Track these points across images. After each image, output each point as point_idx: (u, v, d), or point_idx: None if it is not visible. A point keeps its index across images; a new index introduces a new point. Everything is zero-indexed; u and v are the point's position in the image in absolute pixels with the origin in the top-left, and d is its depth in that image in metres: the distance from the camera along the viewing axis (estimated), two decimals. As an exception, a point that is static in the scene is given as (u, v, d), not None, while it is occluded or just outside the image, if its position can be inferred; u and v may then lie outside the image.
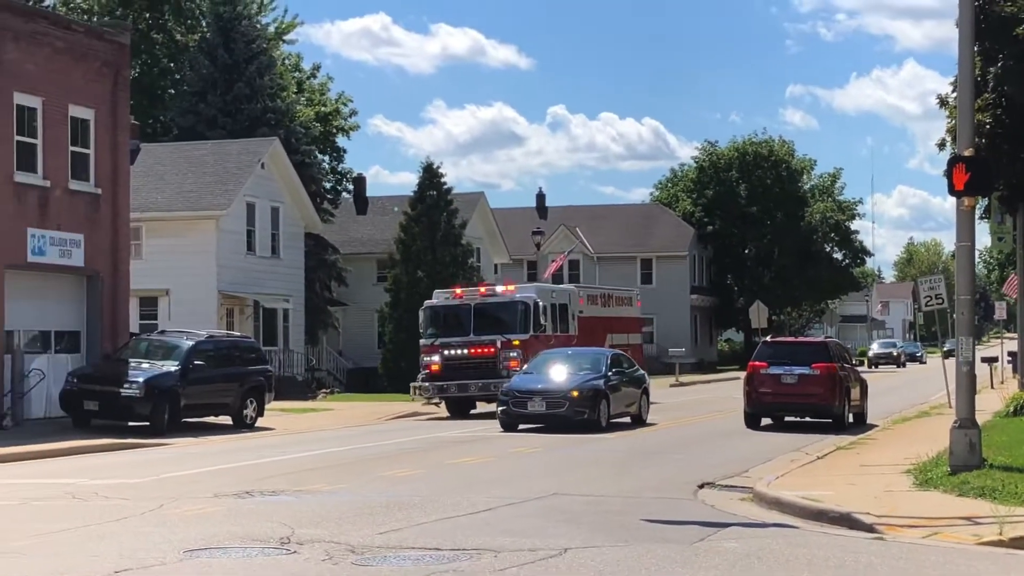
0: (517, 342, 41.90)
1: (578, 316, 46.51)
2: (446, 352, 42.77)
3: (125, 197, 41.39)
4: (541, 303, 42.93)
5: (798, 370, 34.60)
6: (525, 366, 38.10)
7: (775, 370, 34.96)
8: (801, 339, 48.41)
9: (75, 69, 39.52)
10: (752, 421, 34.71)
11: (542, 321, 42.43)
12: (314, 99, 77.64)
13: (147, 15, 66.45)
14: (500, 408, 33.73)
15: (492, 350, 42.25)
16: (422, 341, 44.31)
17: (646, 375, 39.40)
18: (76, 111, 39.33)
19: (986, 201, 37.13)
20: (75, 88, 39.31)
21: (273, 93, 67.01)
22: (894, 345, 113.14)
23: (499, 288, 46.34)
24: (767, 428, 34.09)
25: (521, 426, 32.74)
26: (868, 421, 36.27)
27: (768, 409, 35.15)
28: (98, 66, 40.72)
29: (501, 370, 41.00)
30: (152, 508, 17.84)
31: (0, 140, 36.28)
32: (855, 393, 36.21)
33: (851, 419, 35.00)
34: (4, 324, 35.14)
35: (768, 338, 49.48)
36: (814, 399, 34.62)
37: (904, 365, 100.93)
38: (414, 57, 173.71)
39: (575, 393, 32.45)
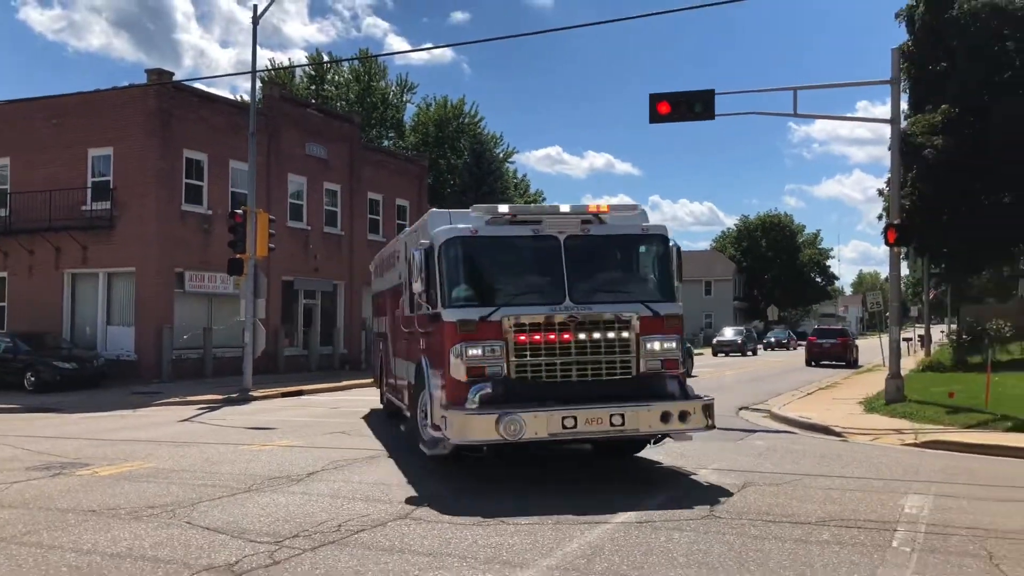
0: (674, 318, 10.13)
1: None
2: (521, 337, 9.56)
3: (424, 247, 42.41)
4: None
5: (830, 340, 40.28)
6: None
7: (820, 340, 40.40)
8: (832, 327, 49.70)
9: (399, 179, 40.59)
10: (808, 363, 39.38)
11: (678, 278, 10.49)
12: (522, 193, 78.40)
13: (436, 150, 67.81)
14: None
15: (626, 334, 9.77)
16: (447, 315, 9.74)
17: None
18: (399, 201, 40.45)
19: (906, 249, 35.90)
20: (398, 189, 40.40)
21: (502, 190, 67.91)
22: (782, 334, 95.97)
23: (600, 207, 10.43)
24: (796, 372, 33.97)
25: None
26: (859, 364, 39.93)
27: (817, 358, 39.71)
28: (410, 178, 41.74)
29: (655, 381, 9.82)
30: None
31: (362, 217, 37.56)
32: (855, 351, 41.38)
33: (853, 362, 39.78)
34: (362, 314, 36.40)
35: (816, 326, 60.34)
36: (838, 353, 39.59)
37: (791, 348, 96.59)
38: (575, 170, 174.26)
39: None
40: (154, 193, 28.19)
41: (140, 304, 28.36)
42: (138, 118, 28.41)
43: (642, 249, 10.75)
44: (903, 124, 28.00)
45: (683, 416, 9.61)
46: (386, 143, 64.94)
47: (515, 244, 10.24)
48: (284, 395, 23.73)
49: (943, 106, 31.86)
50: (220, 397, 22.23)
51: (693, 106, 17.78)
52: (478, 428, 9.15)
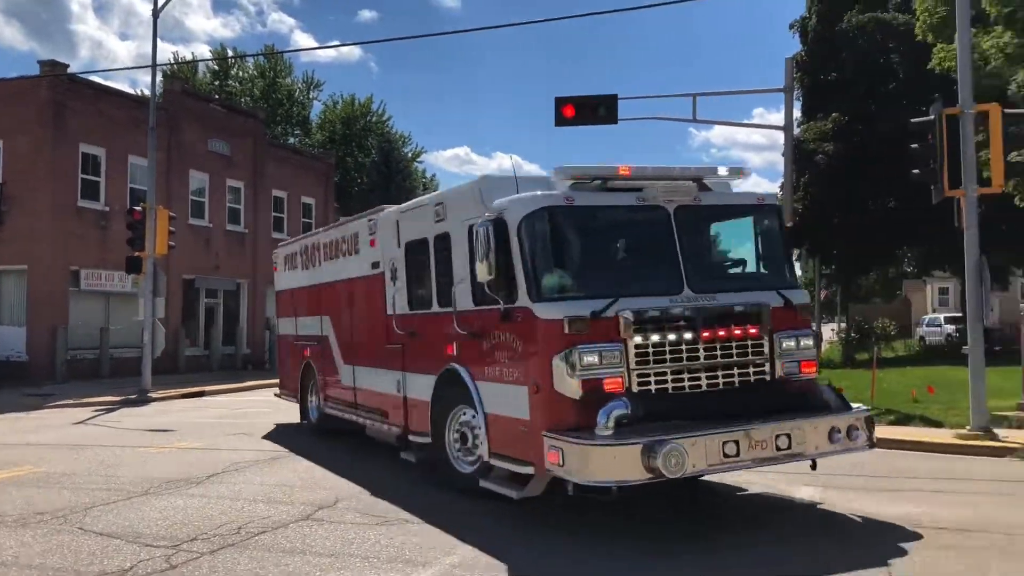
0: (806, 307, 8.40)
1: None
2: (640, 337, 7.30)
3: (331, 246, 41.78)
4: None
5: None
6: None
7: None
8: None
9: (304, 176, 39.91)
10: None
11: None
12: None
13: (343, 148, 67.00)
14: None
15: (759, 329, 7.72)
16: (542, 310, 7.36)
17: None
18: (305, 199, 39.75)
19: (798, 251, 37.15)
20: (304, 187, 39.71)
21: (410, 190, 67.47)
22: None
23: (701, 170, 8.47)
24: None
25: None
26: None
27: None
28: (317, 175, 41.11)
29: (807, 388, 8.08)
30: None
31: (266, 215, 36.79)
32: None
33: None
34: (266, 313, 35.42)
35: None
36: None
37: None
38: (483, 170, 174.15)
39: None
40: (48, 188, 27.08)
41: (32, 303, 27.19)
42: (30, 110, 27.26)
43: (757, 223, 8.64)
44: (796, 131, 29.04)
45: (851, 432, 7.65)
46: (292, 140, 63.88)
47: (615, 217, 7.99)
48: (185, 396, 23.06)
49: (834, 114, 33.09)
50: (118, 398, 21.46)
51: (597, 110, 17.99)
52: (618, 463, 6.65)
